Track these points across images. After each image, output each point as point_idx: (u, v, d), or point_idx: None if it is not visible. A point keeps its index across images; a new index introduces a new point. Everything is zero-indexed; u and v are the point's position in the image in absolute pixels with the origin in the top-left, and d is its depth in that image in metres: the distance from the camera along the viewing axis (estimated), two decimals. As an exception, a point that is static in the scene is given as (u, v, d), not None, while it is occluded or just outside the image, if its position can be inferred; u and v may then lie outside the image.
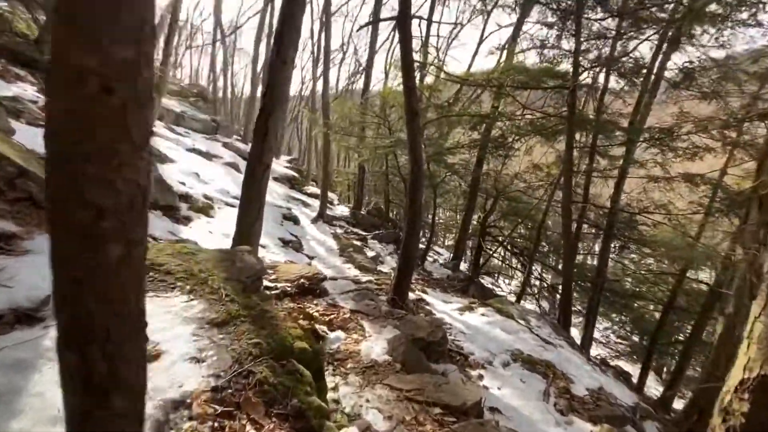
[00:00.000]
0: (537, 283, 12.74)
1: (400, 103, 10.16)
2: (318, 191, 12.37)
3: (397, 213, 17.84)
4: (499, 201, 11.65)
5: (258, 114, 3.33)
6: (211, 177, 8.54)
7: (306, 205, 11.93)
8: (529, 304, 12.70)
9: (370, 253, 8.54)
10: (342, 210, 15.10)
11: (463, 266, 12.44)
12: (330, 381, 2.62)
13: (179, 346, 1.61)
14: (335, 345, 3.41)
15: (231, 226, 6.77)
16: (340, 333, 3.62)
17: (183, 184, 7.17)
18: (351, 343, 3.47)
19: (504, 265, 14.91)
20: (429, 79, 10.11)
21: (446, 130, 10.96)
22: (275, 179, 13.40)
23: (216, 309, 1.96)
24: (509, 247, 12.54)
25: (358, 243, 8.90)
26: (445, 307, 5.90)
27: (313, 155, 22.38)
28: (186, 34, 27.07)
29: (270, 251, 6.09)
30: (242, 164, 12.85)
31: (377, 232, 11.01)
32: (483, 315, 5.84)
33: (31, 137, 3.68)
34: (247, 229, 3.42)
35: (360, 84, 16.38)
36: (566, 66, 7.80)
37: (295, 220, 8.80)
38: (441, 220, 18.79)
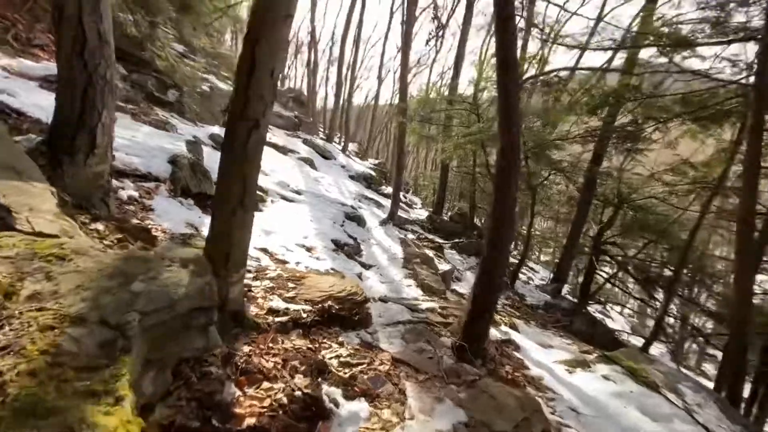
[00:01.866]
0: (671, 320, 9.60)
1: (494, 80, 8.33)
2: (394, 191, 11.15)
3: (484, 220, 15.66)
4: (621, 210, 8.99)
5: (243, 43, 2.09)
6: (273, 168, 7.87)
7: (379, 205, 10.77)
8: (655, 349, 9.61)
9: (444, 266, 6.90)
10: (420, 214, 13.64)
11: (565, 289, 9.91)
12: None
13: None
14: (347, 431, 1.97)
15: (277, 221, 5.87)
16: (362, 404, 2.18)
17: (237, 173, 6.52)
18: (373, 435, 2.01)
19: (623, 292, 11.77)
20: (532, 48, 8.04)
21: (551, 119, 8.73)
22: (351, 177, 12.60)
23: None
24: (634, 272, 9.63)
25: (430, 253, 7.34)
26: (543, 357, 4.05)
27: (396, 159, 21.39)
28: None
29: (313, 256, 4.94)
30: (317, 160, 12.31)
31: (457, 240, 9.28)
32: (606, 378, 3.88)
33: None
34: (224, 221, 2.20)
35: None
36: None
37: (360, 221, 7.62)
38: (537, 231, 15.97)
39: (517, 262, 8.78)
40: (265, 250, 4.33)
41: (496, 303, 3.64)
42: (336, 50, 23.30)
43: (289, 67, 33.27)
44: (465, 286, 6.70)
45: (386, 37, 22.08)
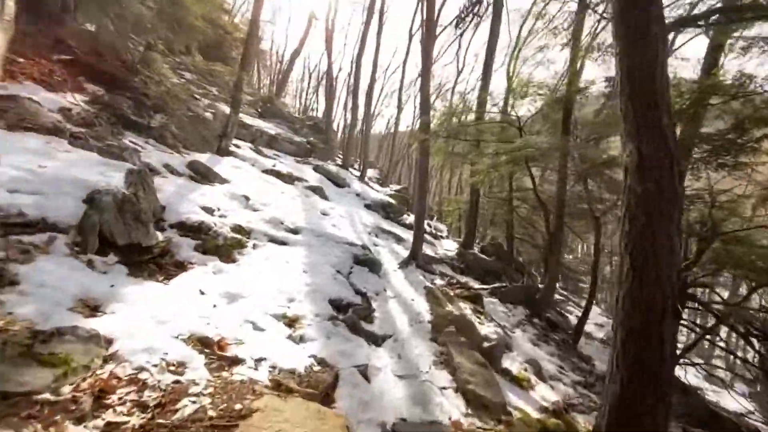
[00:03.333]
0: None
1: (538, 85, 6.62)
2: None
3: (524, 252, 13.60)
4: (714, 243, 6.92)
5: None
6: (266, 201, 6.38)
7: (399, 240, 9.07)
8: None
9: (487, 328, 5.03)
10: (448, 246, 11.79)
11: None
12: None
13: None
14: None
15: (253, 278, 4.24)
16: None
17: (209, 210, 5.04)
18: None
19: (719, 348, 9.37)
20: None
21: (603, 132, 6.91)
22: (367, 206, 11.04)
23: None
24: (734, 324, 7.35)
25: (467, 308, 5.50)
26: None
27: (417, 183, 19.79)
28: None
29: (295, 335, 3.27)
30: (329, 188, 10.84)
31: (497, 285, 7.36)
32: None
33: None
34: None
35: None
36: None
37: (373, 265, 5.93)
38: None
39: (581, 312, 6.77)
40: (203, 341, 2.68)
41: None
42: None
43: (310, 99, 33.16)
44: (518, 358, 4.79)
45: (405, 63, 21.11)
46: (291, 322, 3.50)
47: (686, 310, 7.45)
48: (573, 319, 9.77)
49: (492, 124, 7.13)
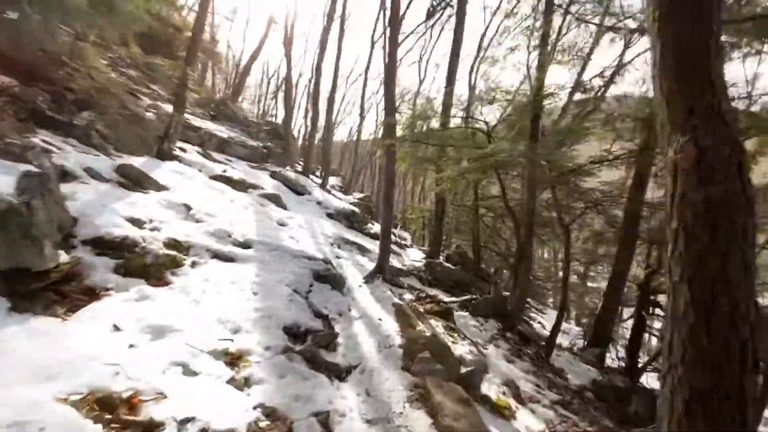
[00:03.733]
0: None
1: (505, 91, 6.43)
2: (381, 231, 8.91)
3: (488, 259, 13.55)
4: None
5: None
6: (212, 211, 5.61)
7: (364, 251, 8.53)
8: None
9: (461, 348, 4.61)
10: (414, 256, 11.43)
11: (611, 357, 7.63)
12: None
13: None
14: None
15: (188, 304, 3.44)
16: None
17: (138, 222, 4.24)
18: None
19: None
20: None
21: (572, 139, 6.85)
22: (329, 215, 10.42)
23: None
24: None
25: (439, 325, 5.06)
26: None
27: (382, 191, 19.39)
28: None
29: (238, 377, 2.63)
30: (287, 196, 10.08)
31: (468, 297, 7.03)
32: None
33: None
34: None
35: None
36: None
37: (336, 282, 5.34)
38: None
39: (552, 323, 6.58)
40: (104, 401, 1.99)
41: None
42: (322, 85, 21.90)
43: (269, 105, 31.94)
44: (495, 380, 4.40)
45: (367, 70, 20.85)
46: (234, 361, 2.84)
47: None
48: (537, 327, 9.71)
49: (460, 130, 6.85)
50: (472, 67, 17.71)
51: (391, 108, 5.97)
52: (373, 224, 11.89)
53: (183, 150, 8.89)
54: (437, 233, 10.87)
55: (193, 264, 4.12)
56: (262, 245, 5.23)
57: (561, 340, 9.61)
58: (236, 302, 3.70)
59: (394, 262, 8.81)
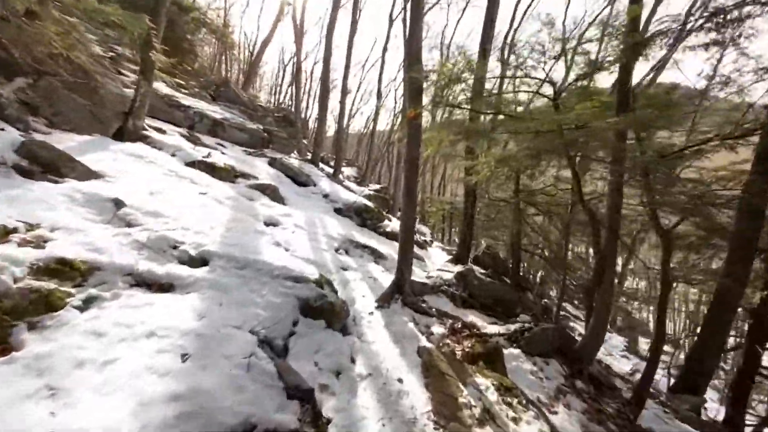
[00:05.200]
0: None
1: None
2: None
3: (530, 267, 11.60)
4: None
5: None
6: (161, 209, 3.93)
7: (378, 257, 6.78)
8: None
9: (528, 430, 2.81)
10: (438, 258, 9.61)
11: (712, 398, 5.69)
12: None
13: None
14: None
15: (40, 401, 1.78)
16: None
17: (3, 231, 2.59)
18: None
19: None
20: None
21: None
22: (337, 211, 8.69)
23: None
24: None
25: (489, 385, 3.28)
26: None
27: (402, 181, 17.52)
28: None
29: None
30: (286, 188, 8.36)
31: (518, 327, 5.17)
32: None
33: None
34: None
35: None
36: None
37: (333, 317, 3.59)
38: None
39: (648, 354, 4.69)
40: None
41: None
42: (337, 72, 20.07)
43: (284, 95, 30.24)
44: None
45: (384, 49, 18.95)
46: None
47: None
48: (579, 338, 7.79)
49: (510, 96, 4.89)
50: (504, 42, 15.59)
51: (416, 55, 4.11)
52: (390, 220, 10.11)
53: (160, 131, 7.29)
54: (466, 232, 9.00)
55: (87, 303, 2.44)
56: (226, 260, 3.52)
57: (615, 363, 7.69)
58: (140, 385, 2.00)
59: (416, 269, 7.03)
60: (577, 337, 8.43)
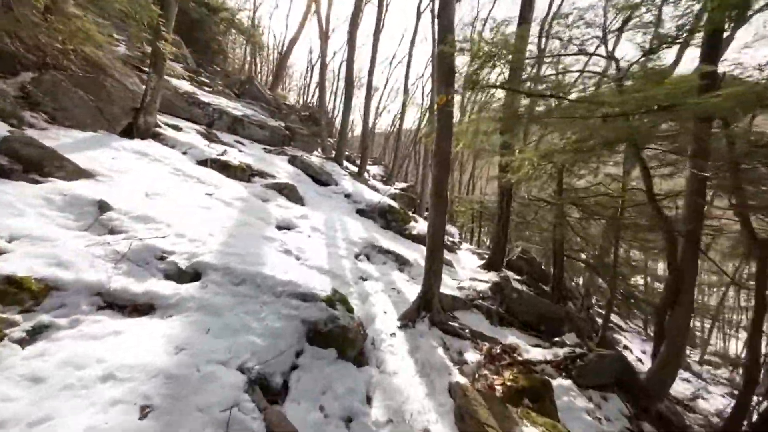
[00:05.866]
0: None
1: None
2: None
3: (569, 272, 10.58)
4: None
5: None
6: (152, 214, 3.45)
7: (402, 263, 6.12)
8: None
9: None
10: (468, 263, 8.82)
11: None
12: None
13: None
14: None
15: None
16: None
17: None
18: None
19: None
20: None
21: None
22: (359, 212, 8.10)
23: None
24: None
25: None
26: None
27: (430, 179, 16.68)
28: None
29: None
30: (306, 187, 7.84)
31: (569, 352, 4.35)
32: None
33: None
34: None
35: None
36: None
37: (345, 345, 2.97)
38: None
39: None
40: None
41: None
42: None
43: (312, 95, 30.08)
44: None
45: (412, 43, 18.17)
46: None
47: None
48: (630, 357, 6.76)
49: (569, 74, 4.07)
50: (541, 29, 14.47)
51: (449, 26, 3.42)
52: (416, 221, 9.42)
53: (176, 128, 6.97)
54: (500, 236, 8.20)
55: (33, 334, 1.95)
56: (222, 274, 2.98)
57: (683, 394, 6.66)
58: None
59: (445, 276, 6.30)
60: (622, 350, 7.40)
